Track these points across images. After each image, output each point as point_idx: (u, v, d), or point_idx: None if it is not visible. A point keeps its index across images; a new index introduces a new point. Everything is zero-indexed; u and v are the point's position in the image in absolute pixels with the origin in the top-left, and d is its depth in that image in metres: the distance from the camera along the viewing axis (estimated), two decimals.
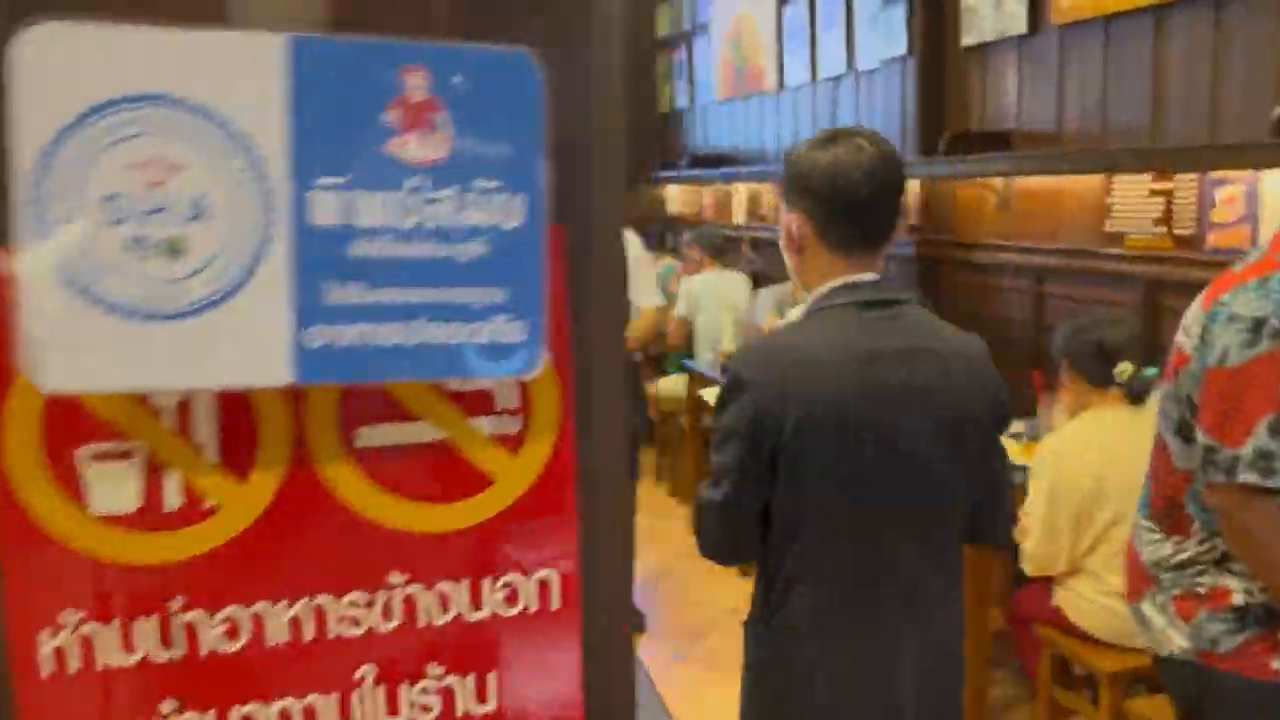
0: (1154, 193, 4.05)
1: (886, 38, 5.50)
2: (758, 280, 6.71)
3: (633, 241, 4.44)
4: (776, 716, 2.05)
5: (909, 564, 1.99)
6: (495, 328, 0.88)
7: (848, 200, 1.95)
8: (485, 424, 0.96)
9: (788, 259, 2.09)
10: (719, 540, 2.04)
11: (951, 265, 5.24)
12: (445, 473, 0.95)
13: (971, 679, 3.50)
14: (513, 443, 0.97)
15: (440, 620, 0.97)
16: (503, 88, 0.86)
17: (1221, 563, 2.13)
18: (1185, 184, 3.91)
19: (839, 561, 1.96)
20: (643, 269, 4.59)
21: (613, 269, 1.00)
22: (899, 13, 5.36)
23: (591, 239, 0.98)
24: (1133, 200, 4.14)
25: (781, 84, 6.94)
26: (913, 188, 5.38)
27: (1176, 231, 3.96)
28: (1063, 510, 3.10)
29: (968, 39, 5.07)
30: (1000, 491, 2.13)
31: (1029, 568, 3.23)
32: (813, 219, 1.99)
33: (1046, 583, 3.30)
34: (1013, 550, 3.27)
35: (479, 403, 0.95)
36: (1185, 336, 2.14)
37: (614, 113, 0.98)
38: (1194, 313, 2.13)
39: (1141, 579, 2.30)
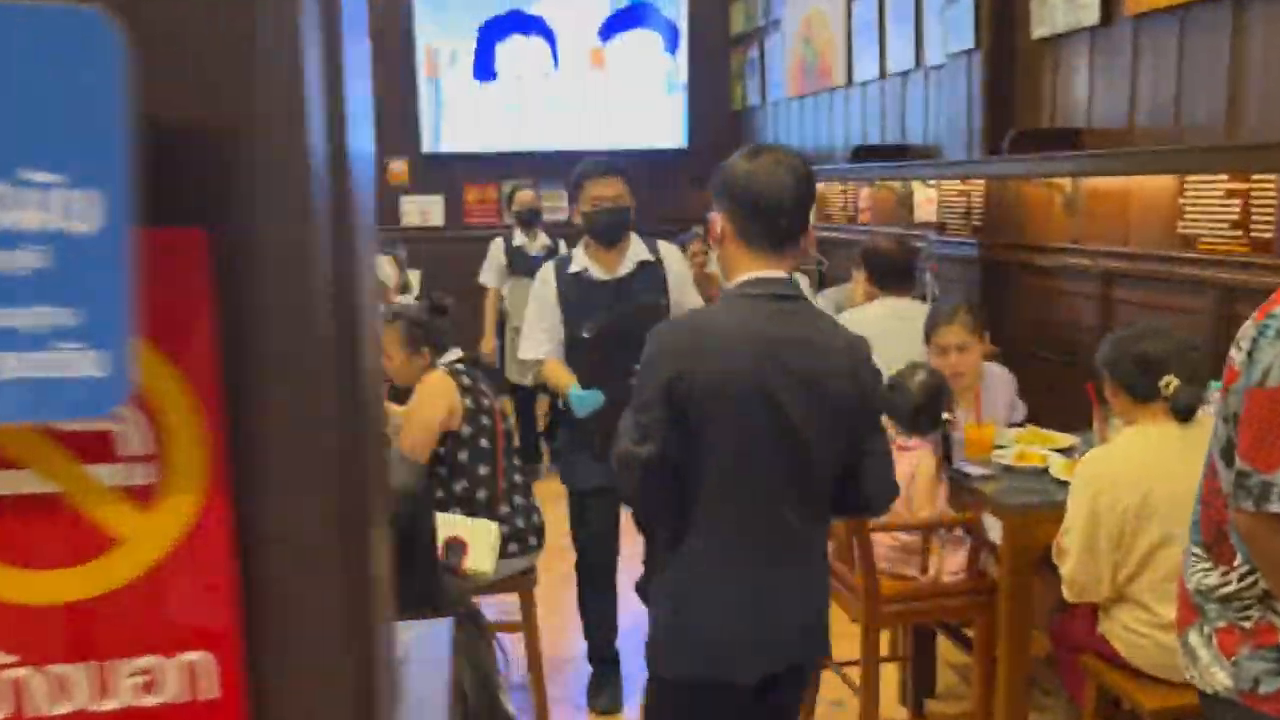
0: (1230, 194, 3.80)
1: (955, 31, 5.21)
2: (824, 280, 6.43)
3: (674, 256, 4.15)
4: (675, 632, 2.38)
5: (786, 517, 2.33)
6: (57, 359, 0.69)
7: (759, 206, 2.29)
8: (105, 473, 0.77)
9: (716, 252, 2.43)
10: (644, 493, 2.32)
11: (1016, 268, 4.94)
12: (56, 532, 0.77)
13: (1009, 700, 3.37)
14: (144, 496, 0.78)
15: (56, 710, 0.79)
16: (64, 57, 0.67)
17: (1265, 599, 1.99)
18: (1263, 185, 3.61)
19: (730, 511, 2.31)
20: (691, 290, 4.15)
21: (295, 283, 0.81)
22: (967, 4, 5.05)
23: (253, 245, 0.79)
24: (1207, 202, 3.88)
25: (850, 80, 6.65)
26: (976, 187, 5.10)
27: (1254, 235, 3.67)
28: (1103, 531, 2.91)
29: (1039, 31, 4.78)
30: (876, 465, 2.43)
31: (1069, 593, 3.04)
32: (732, 220, 2.33)
33: (1091, 608, 3.10)
34: (1051, 571, 3.10)
35: (96, 448, 0.77)
36: (1236, 351, 2.00)
37: (281, 86, 0.79)
38: (1247, 325, 2.00)
39: (1188, 608, 2.17)
